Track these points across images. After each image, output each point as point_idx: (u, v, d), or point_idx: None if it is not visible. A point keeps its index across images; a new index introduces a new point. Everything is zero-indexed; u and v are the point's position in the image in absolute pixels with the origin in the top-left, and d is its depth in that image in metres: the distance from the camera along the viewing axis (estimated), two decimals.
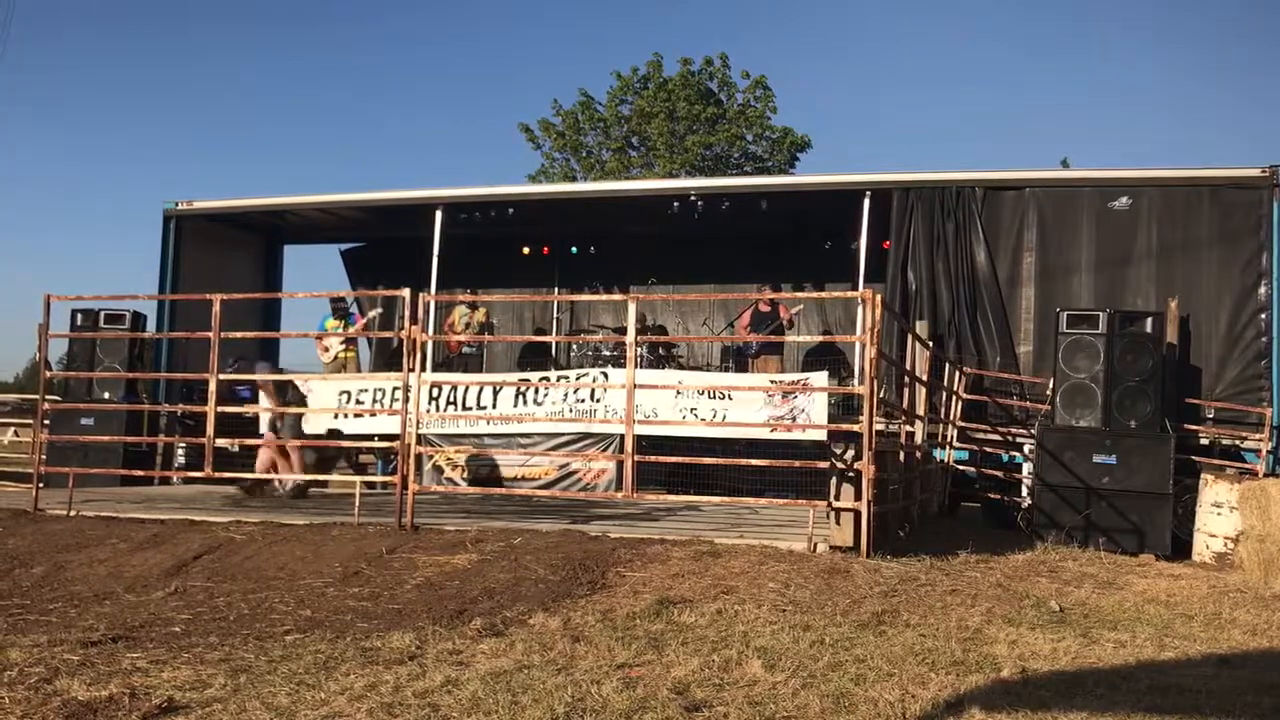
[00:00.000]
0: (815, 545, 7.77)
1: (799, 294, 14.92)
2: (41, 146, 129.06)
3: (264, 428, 11.26)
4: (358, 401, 12.68)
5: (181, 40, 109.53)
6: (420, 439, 9.43)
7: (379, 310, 15.43)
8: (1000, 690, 4.61)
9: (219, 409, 9.69)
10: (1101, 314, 10.59)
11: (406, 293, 9.27)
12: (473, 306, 14.90)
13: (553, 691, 4.40)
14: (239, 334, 11.34)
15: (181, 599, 6.60)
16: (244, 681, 4.56)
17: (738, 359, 14.73)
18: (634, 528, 8.69)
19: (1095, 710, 4.36)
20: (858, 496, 7.68)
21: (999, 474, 11.91)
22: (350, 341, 14.43)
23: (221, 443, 10.33)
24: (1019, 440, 11.75)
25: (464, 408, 12.24)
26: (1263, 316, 11.58)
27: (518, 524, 8.60)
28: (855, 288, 12.66)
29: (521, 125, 30.24)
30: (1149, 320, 10.63)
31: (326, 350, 14.29)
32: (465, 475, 11.97)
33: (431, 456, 11.54)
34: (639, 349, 11.65)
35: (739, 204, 14.27)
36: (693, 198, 14.10)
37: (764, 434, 10.81)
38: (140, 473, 11.85)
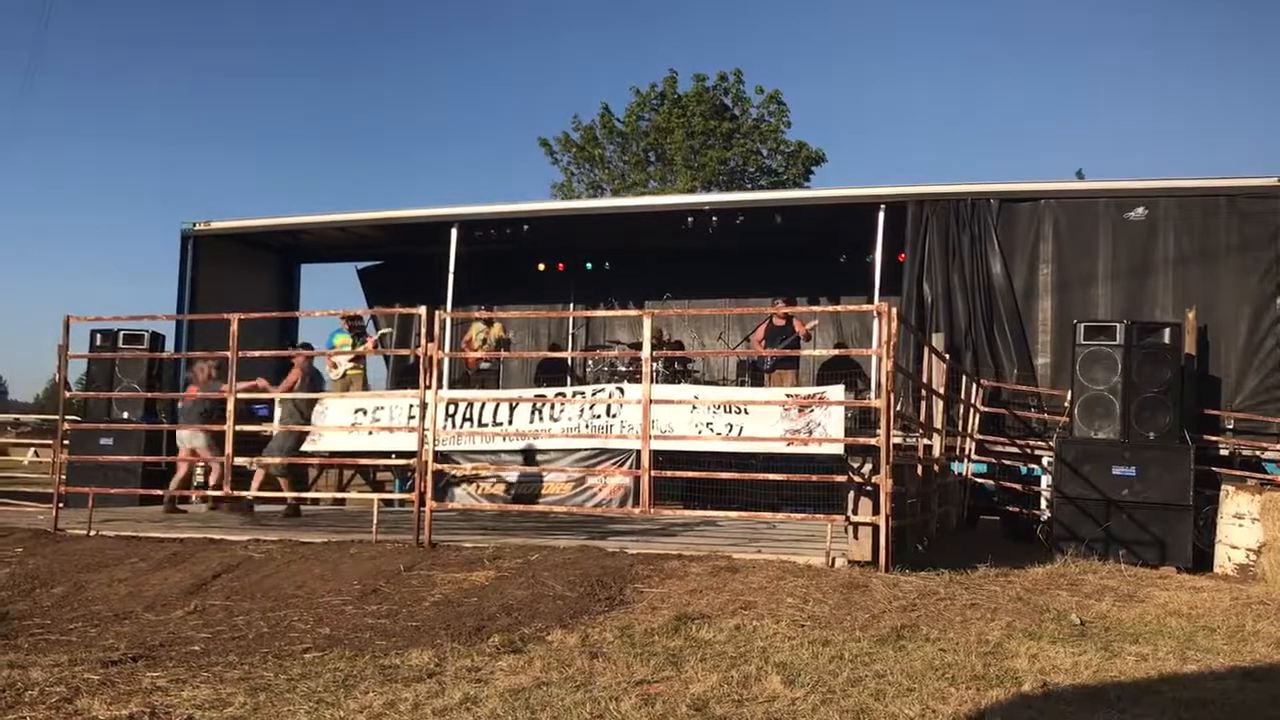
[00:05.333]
0: (834, 560, 7.74)
1: (814, 308, 14.89)
2: (62, 167, 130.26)
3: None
4: (374, 419, 12.70)
5: (201, 60, 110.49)
6: (437, 456, 9.45)
7: (389, 329, 15.46)
8: (1021, 704, 4.58)
9: (237, 428, 9.74)
10: (1119, 325, 10.54)
11: (423, 310, 9.30)
12: (488, 323, 14.94)
13: (571, 709, 4.40)
14: (256, 353, 11.40)
15: (201, 618, 6.62)
16: (263, 700, 4.57)
17: (753, 373, 14.71)
18: (651, 543, 8.68)
19: None
20: (876, 511, 7.65)
21: (1018, 487, 11.84)
22: (359, 359, 14.45)
23: (240, 461, 10.39)
24: (1037, 453, 11.69)
25: (480, 424, 12.26)
26: None
27: (535, 540, 8.60)
28: (871, 301, 12.63)
29: (541, 140, 30.57)
30: (1167, 331, 10.56)
31: (335, 367, 14.32)
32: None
33: (454, 475, 11.56)
34: (655, 364, 11.66)
35: (754, 218, 14.27)
36: (707, 211, 14.11)
37: (780, 448, 10.78)
38: (159, 492, 11.88)
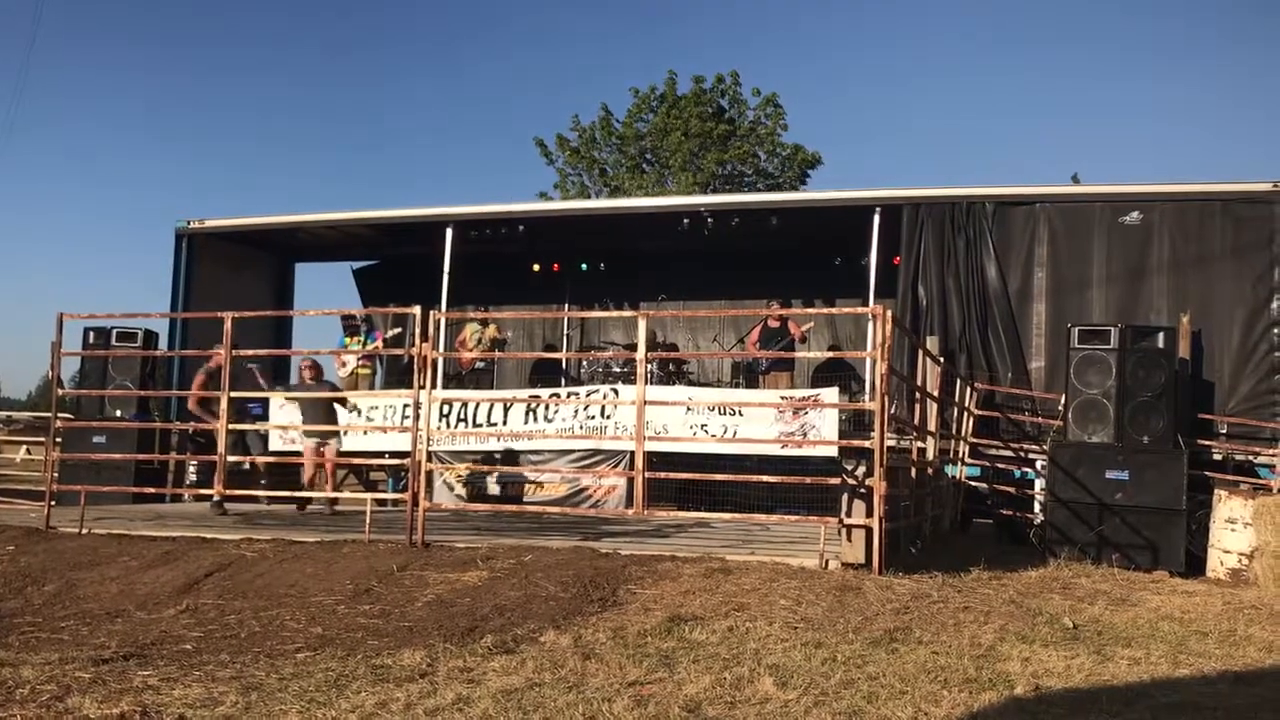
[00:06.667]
0: (827, 562, 7.74)
1: (809, 310, 14.88)
2: (55, 165, 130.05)
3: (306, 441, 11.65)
4: (368, 419, 12.71)
5: (198, 60, 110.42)
6: (431, 456, 9.44)
7: (399, 330, 15.47)
8: (1014, 708, 4.59)
9: (230, 427, 9.73)
10: (1113, 329, 10.55)
11: (417, 310, 9.28)
12: (483, 323, 14.93)
13: (564, 709, 4.39)
14: (250, 351, 11.37)
15: (193, 616, 6.60)
16: (255, 699, 4.56)
17: (748, 375, 14.72)
18: (645, 545, 8.67)
19: None
20: (869, 513, 7.65)
21: (1011, 490, 11.85)
22: (368, 358, 14.47)
23: (232, 460, 10.38)
24: (1031, 456, 11.70)
25: (474, 425, 12.25)
26: (1275, 331, 11.53)
27: (528, 541, 8.59)
28: (866, 303, 12.63)
29: (536, 140, 30.46)
30: (1161, 335, 10.58)
31: (344, 365, 14.35)
32: (469, 492, 12.08)
33: (442, 473, 11.59)
34: (649, 365, 11.66)
35: (750, 220, 14.26)
36: (703, 213, 14.11)
37: (775, 450, 10.78)
38: (152, 490, 11.87)
